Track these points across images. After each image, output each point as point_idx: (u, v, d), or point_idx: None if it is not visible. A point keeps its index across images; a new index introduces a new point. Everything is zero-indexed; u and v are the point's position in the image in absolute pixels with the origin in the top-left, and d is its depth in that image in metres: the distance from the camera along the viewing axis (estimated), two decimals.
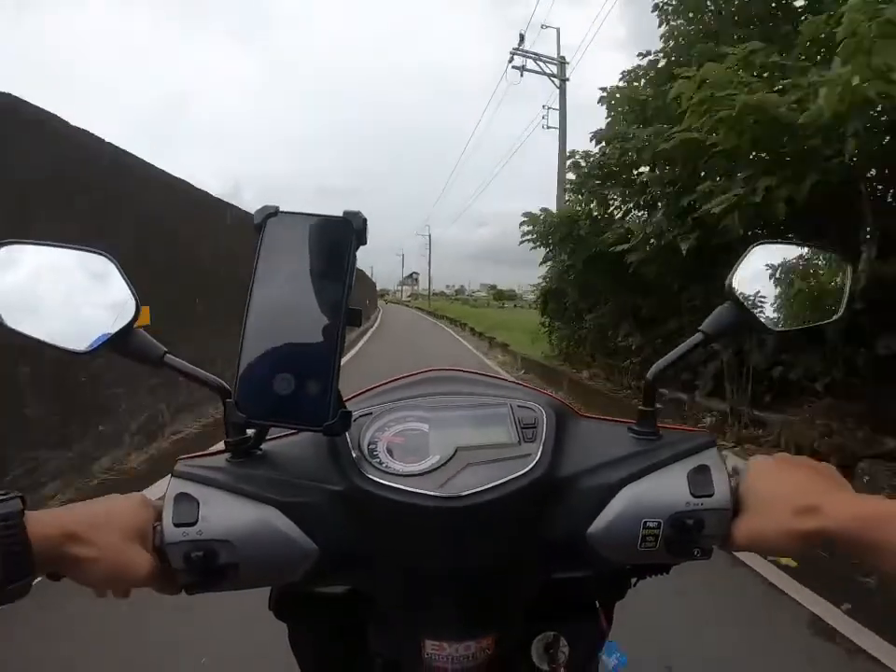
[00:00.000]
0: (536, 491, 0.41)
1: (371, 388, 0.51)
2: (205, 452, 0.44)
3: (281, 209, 0.40)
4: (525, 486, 0.40)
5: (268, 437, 0.44)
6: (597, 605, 0.52)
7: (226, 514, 0.40)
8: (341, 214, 0.39)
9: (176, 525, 0.39)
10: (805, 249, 0.50)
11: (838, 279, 0.50)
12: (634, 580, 0.52)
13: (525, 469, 0.41)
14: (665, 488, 0.42)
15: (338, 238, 0.39)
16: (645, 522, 0.41)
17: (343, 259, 0.39)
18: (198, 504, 0.40)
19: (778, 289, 0.48)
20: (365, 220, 0.39)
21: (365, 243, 0.40)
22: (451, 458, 0.42)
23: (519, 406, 0.47)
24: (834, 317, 0.50)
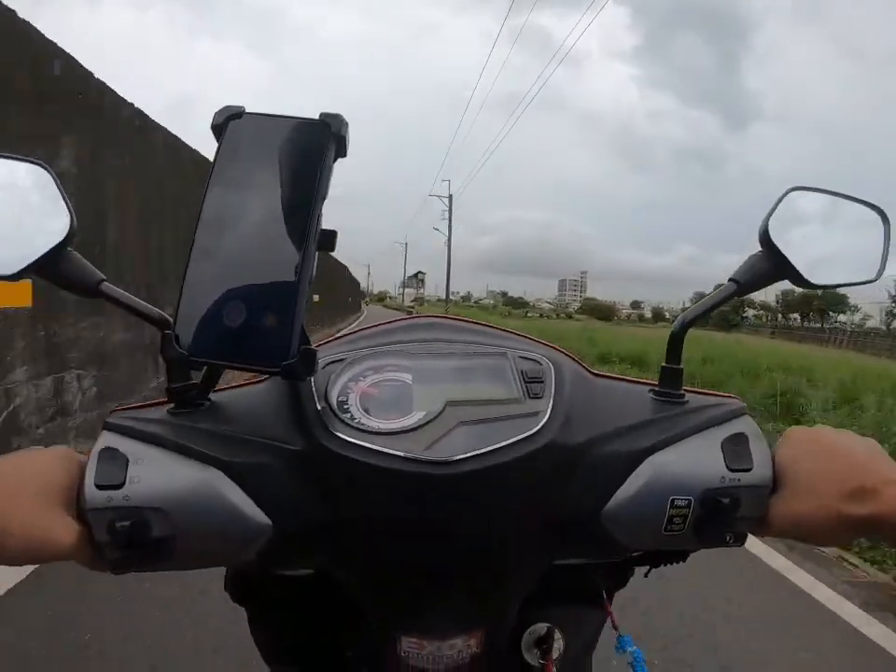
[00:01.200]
0: (545, 458, 0.33)
1: (345, 335, 0.43)
2: (145, 402, 0.37)
3: (247, 110, 0.34)
4: (531, 452, 0.33)
5: (220, 386, 0.37)
6: (603, 595, 0.45)
7: (160, 476, 0.32)
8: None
9: (99, 487, 0.31)
10: (844, 201, 0.44)
11: (875, 237, 0.45)
12: (647, 568, 0.45)
13: (533, 431, 0.34)
14: (697, 459, 0.35)
15: (312, 144, 0.32)
16: (673, 499, 0.34)
17: (317, 170, 0.32)
18: (127, 462, 0.32)
19: (816, 241, 0.42)
20: (346, 124, 0.32)
21: (345, 154, 0.33)
22: (439, 415, 0.34)
23: (521, 357, 0.39)
24: (873, 278, 0.44)
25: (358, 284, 41.06)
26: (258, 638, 0.45)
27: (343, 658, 0.42)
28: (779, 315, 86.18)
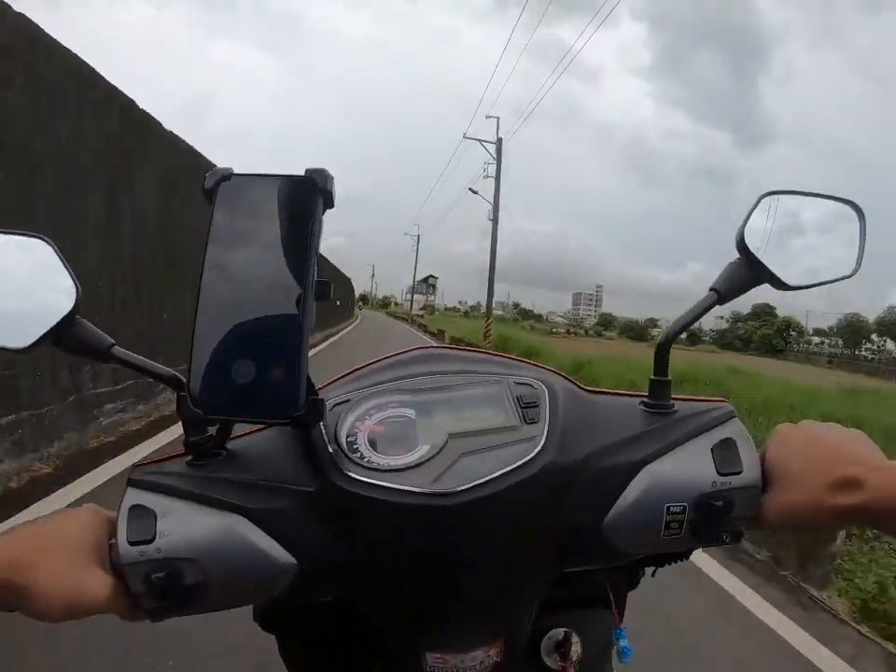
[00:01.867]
0: (544, 479, 0.35)
1: (346, 374, 0.45)
2: (163, 456, 0.38)
3: (235, 171, 0.35)
4: (531, 475, 0.35)
5: (234, 434, 0.38)
6: (611, 597, 0.47)
7: (187, 527, 0.34)
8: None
9: (132, 544, 0.33)
10: (817, 200, 0.45)
11: (852, 232, 0.46)
12: (652, 569, 0.47)
13: (531, 456, 0.35)
14: (689, 467, 0.37)
15: (301, 200, 0.33)
16: (668, 506, 0.36)
17: (308, 224, 0.33)
18: (155, 517, 0.34)
19: (791, 243, 0.43)
20: (331, 179, 0.33)
21: (332, 205, 0.34)
22: (442, 448, 0.36)
23: (516, 383, 0.41)
24: (850, 274, 0.46)
25: (349, 282, 33.22)
26: (288, 663, 0.47)
27: None
28: (841, 341, 70.84)
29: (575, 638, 0.43)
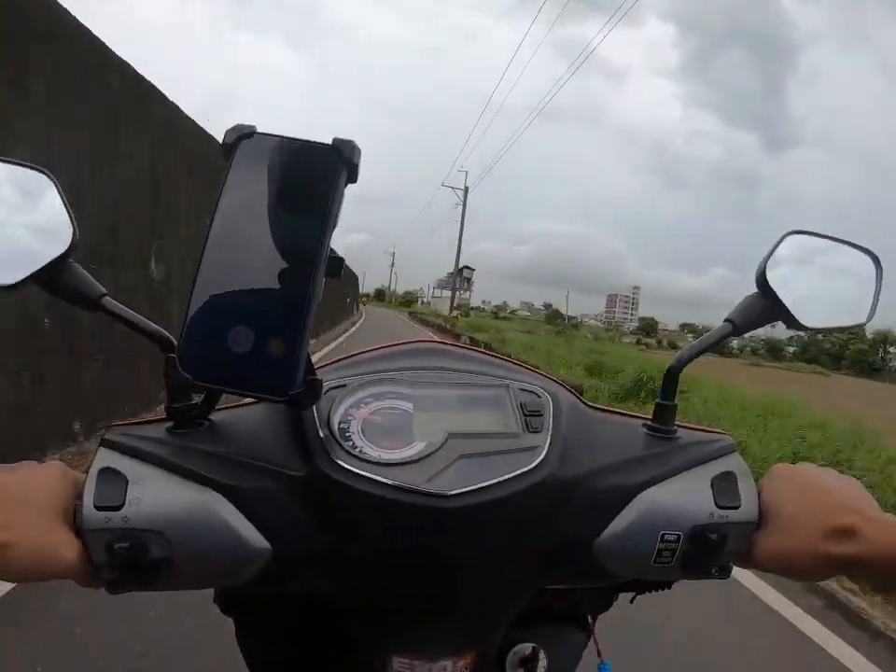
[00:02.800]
0: (542, 492, 0.34)
1: (344, 358, 0.43)
2: (144, 419, 0.36)
3: (259, 130, 0.33)
4: (530, 486, 0.33)
5: (220, 405, 0.36)
6: (588, 618, 0.46)
7: (160, 498, 0.31)
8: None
9: (98, 508, 0.31)
10: (839, 245, 0.45)
11: (868, 281, 0.45)
12: (632, 595, 0.46)
13: (531, 466, 0.34)
14: (687, 496, 0.36)
15: (324, 169, 0.31)
16: (663, 534, 0.35)
17: (328, 195, 0.31)
18: (126, 483, 0.31)
19: (811, 284, 0.43)
20: (359, 151, 0.31)
21: (356, 180, 0.32)
22: (440, 447, 0.34)
23: (521, 389, 0.39)
24: (863, 322, 0.45)
25: (354, 278, 28.61)
26: (244, 650, 0.44)
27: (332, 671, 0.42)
28: None
29: (542, 655, 0.42)
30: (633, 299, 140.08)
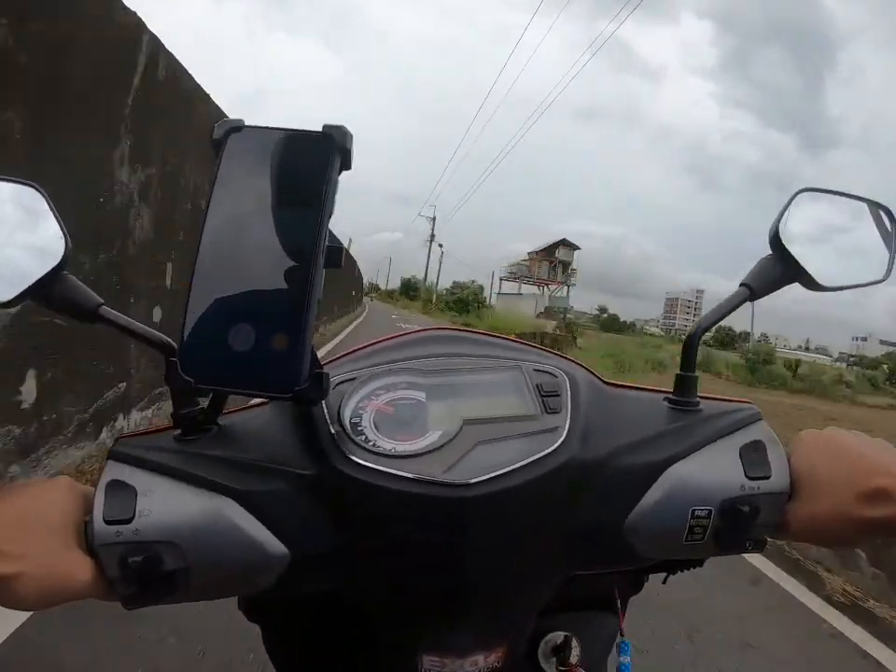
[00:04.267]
0: (565, 474, 0.32)
1: (352, 351, 0.41)
2: (151, 428, 0.35)
3: (247, 123, 0.31)
4: (553, 469, 0.31)
5: (227, 409, 0.35)
6: (618, 603, 0.44)
7: (170, 508, 0.30)
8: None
9: (108, 522, 0.29)
10: (853, 202, 0.43)
11: (885, 236, 0.43)
12: (665, 574, 0.44)
13: (553, 447, 0.32)
14: (716, 469, 0.34)
15: (316, 158, 0.30)
16: (693, 510, 0.33)
17: (321, 184, 0.29)
18: (135, 494, 0.30)
19: (825, 242, 0.41)
20: (350, 136, 0.30)
21: (350, 166, 0.30)
22: (456, 435, 0.33)
23: (536, 370, 0.37)
24: (880, 279, 0.43)
25: (354, 265, 20.39)
26: (272, 655, 0.43)
27: None
28: None
29: (574, 643, 0.40)
30: (696, 303, 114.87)
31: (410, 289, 55.39)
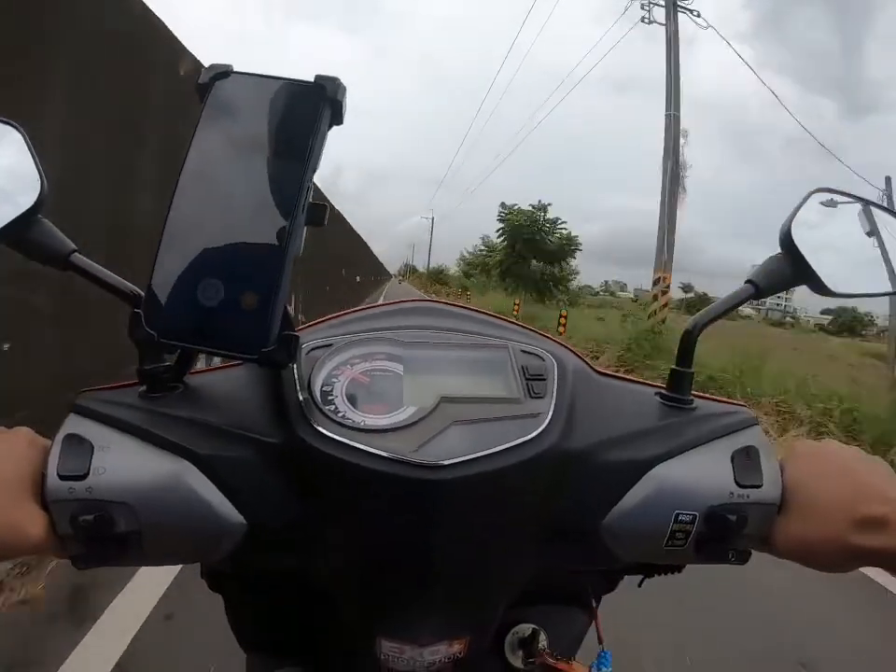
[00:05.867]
0: (544, 463, 0.30)
1: (331, 317, 0.39)
2: (117, 383, 0.33)
3: (235, 69, 0.30)
4: (531, 457, 0.29)
5: (196, 369, 0.33)
6: (591, 599, 0.42)
7: (127, 467, 0.28)
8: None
9: (62, 478, 0.28)
10: (868, 207, 0.41)
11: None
12: (640, 578, 0.42)
13: (534, 434, 0.30)
14: (704, 472, 0.32)
15: (305, 109, 0.28)
16: (677, 514, 0.31)
17: (309, 137, 0.27)
18: (91, 450, 0.28)
19: (838, 246, 0.39)
20: (343, 88, 0.28)
21: (341, 121, 0.28)
22: (432, 411, 0.31)
23: (522, 351, 0.35)
24: (892, 290, 0.41)
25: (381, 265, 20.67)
26: (234, 627, 0.42)
27: (321, 651, 0.39)
28: None
29: (542, 636, 0.38)
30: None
31: (440, 274, 54.48)
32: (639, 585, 0.42)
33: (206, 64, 0.30)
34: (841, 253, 0.39)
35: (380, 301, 0.45)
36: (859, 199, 0.41)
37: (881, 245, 0.40)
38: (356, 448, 0.28)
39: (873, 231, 0.40)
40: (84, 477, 0.28)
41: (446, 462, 0.28)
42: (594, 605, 0.42)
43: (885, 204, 0.40)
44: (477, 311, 0.42)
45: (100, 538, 0.28)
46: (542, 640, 0.38)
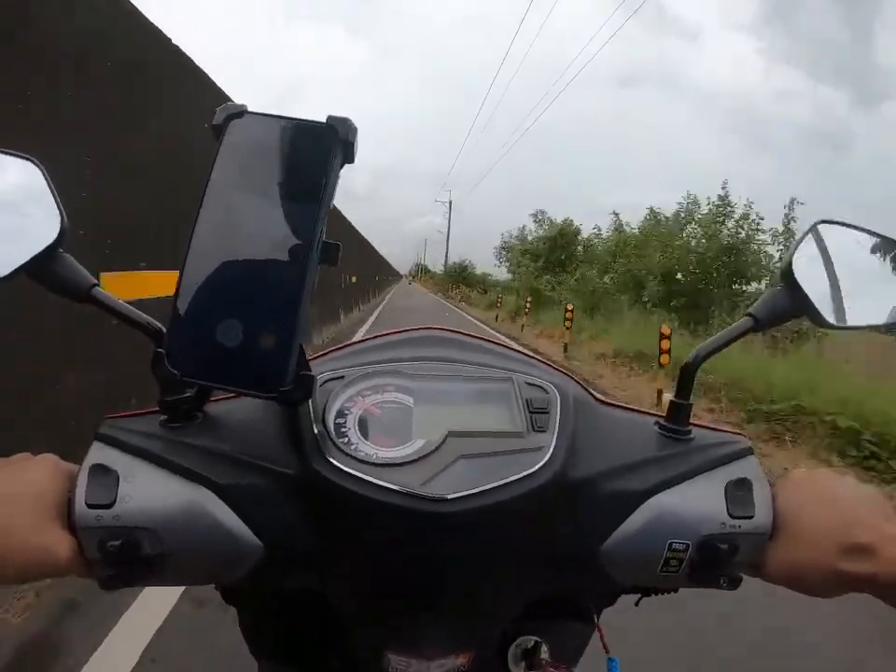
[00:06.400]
0: (545, 495, 0.31)
1: (342, 347, 0.40)
2: (139, 411, 0.34)
3: (249, 109, 0.30)
4: (532, 490, 0.30)
5: (214, 397, 0.34)
6: (593, 612, 0.44)
7: (150, 494, 0.30)
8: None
9: (90, 507, 0.29)
10: (874, 239, 0.41)
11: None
12: (638, 596, 0.44)
13: (535, 468, 0.31)
14: (699, 503, 0.33)
15: (317, 149, 0.29)
16: (671, 543, 0.32)
17: (321, 177, 0.28)
18: (117, 479, 0.30)
19: (841, 279, 0.39)
20: (354, 129, 0.29)
21: (352, 160, 0.29)
22: (440, 446, 0.32)
23: (527, 383, 0.36)
24: (891, 321, 0.41)
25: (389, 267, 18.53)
26: (247, 638, 0.43)
27: (330, 661, 0.41)
28: None
29: (544, 648, 0.40)
30: None
31: (462, 271, 44.27)
32: (636, 604, 0.44)
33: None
34: (841, 284, 0.39)
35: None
36: (862, 230, 0.41)
37: (883, 275, 0.41)
38: (368, 481, 0.30)
39: (874, 262, 0.41)
40: (111, 506, 0.30)
41: (452, 496, 0.29)
42: (595, 619, 0.44)
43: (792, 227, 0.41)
44: (484, 339, 0.43)
45: (126, 561, 0.30)
46: (544, 652, 0.40)
